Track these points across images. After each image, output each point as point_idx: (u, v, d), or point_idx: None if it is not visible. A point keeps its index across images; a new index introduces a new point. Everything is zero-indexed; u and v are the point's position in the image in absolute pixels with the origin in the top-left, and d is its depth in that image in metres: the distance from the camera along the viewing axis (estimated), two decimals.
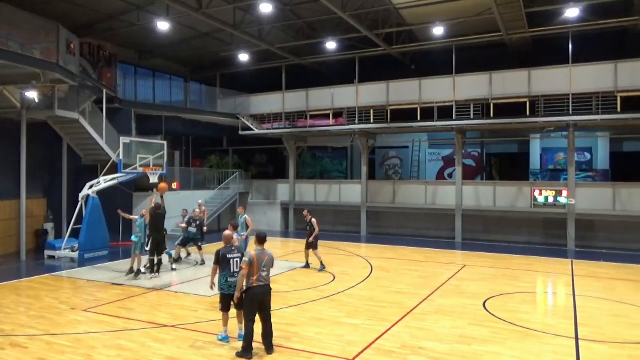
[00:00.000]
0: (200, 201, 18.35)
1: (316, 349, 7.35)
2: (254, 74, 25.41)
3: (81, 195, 15.79)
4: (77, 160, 18.60)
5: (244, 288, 7.08)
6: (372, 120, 21.26)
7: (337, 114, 22.12)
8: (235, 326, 7.83)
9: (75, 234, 15.73)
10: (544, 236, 19.66)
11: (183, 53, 23.80)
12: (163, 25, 18.34)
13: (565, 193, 18.31)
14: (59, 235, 17.57)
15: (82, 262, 14.67)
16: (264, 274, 7.06)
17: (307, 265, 13.95)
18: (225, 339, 7.67)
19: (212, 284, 7.94)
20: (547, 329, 8.45)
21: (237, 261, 7.64)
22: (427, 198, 21.11)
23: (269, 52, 22.06)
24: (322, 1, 15.85)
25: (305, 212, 14.28)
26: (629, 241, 18.05)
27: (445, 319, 8.95)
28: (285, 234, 23.22)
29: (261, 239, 7.36)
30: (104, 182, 15.85)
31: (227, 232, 8.14)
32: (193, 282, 12.10)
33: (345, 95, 21.95)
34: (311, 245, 13.72)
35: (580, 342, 7.82)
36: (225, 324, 7.75)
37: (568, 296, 11.12)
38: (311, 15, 19.16)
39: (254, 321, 7.05)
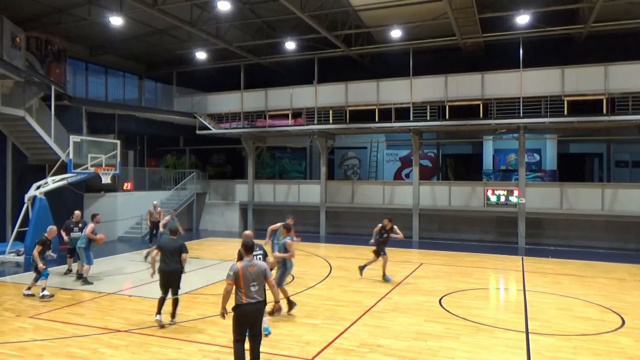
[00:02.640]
0: (155, 202, 17.90)
1: (275, 350, 7.30)
2: (211, 72, 25.00)
3: (27, 196, 15.07)
4: (23, 159, 17.70)
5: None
6: (331, 121, 21.37)
7: (296, 114, 22.10)
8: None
9: (20, 237, 14.98)
10: (496, 234, 20.37)
11: (137, 50, 23.12)
12: (116, 21, 17.76)
13: (516, 192, 19.02)
14: (2, 238, 16.69)
15: (28, 267, 13.96)
16: (253, 289, 6.10)
17: (387, 278, 12.39)
18: (266, 330, 7.75)
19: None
20: (498, 324, 8.75)
21: (259, 257, 7.81)
22: (385, 198, 21.43)
23: (227, 50, 21.77)
24: (281, 1, 15.79)
25: (386, 221, 12.62)
26: (574, 238, 19.00)
27: (402, 317, 9.10)
28: None
29: (248, 249, 6.48)
30: (52, 182, 15.19)
31: (247, 232, 8.18)
32: (148, 285, 11.77)
33: (304, 96, 21.97)
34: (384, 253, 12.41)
35: (530, 335, 8.13)
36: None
37: (519, 291, 11.56)
38: (270, 14, 19.06)
39: (242, 342, 6.18)
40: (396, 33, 19.07)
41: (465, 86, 19.25)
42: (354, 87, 21.08)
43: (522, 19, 17.16)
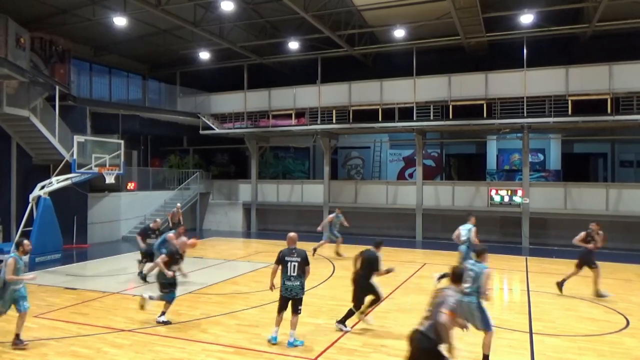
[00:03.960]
0: (178, 204, 17.85)
1: (279, 350, 7.31)
2: (215, 72, 25.04)
3: (32, 196, 15.13)
4: (27, 159, 17.75)
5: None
6: (334, 121, 21.36)
7: (300, 114, 22.10)
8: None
9: (25, 236, 15.01)
10: (500, 234, 20.29)
11: (141, 50, 23.18)
12: (120, 21, 17.78)
13: (520, 192, 18.96)
14: (7, 238, 16.75)
15: (32, 266, 14.01)
16: (427, 314, 5.26)
17: (601, 294, 10.69)
18: (274, 339, 7.51)
19: (272, 284, 7.73)
20: (502, 324, 8.71)
21: (294, 265, 7.43)
22: (389, 198, 21.40)
23: (230, 50, 21.79)
24: (284, 1, 15.80)
25: (594, 225, 11.01)
26: None
27: (406, 317, 9.07)
28: (247, 234, 23.01)
29: (457, 277, 5.63)
30: (56, 182, 15.23)
31: (291, 234, 7.92)
32: (152, 285, 11.78)
33: (307, 96, 21.96)
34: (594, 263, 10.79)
35: (534, 336, 8.10)
36: (277, 324, 7.59)
37: (523, 292, 11.53)
38: (273, 14, 19.06)
39: None
40: (399, 33, 19.03)
41: (468, 86, 19.19)
42: (358, 86, 21.06)
43: (526, 18, 17.09)
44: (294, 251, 7.60)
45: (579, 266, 10.84)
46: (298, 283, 7.48)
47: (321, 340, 7.73)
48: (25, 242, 7.73)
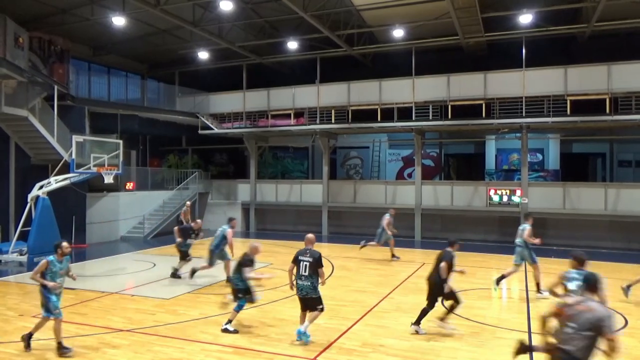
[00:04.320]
0: (188, 202, 17.79)
1: (278, 350, 7.30)
2: (214, 72, 25.03)
3: (30, 196, 15.11)
4: (26, 159, 17.72)
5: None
6: (333, 121, 21.36)
7: (299, 113, 22.10)
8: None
9: (23, 236, 15.02)
10: (499, 234, 20.29)
11: (140, 50, 23.16)
12: (119, 21, 17.77)
13: (518, 192, 18.98)
14: (5, 238, 16.71)
15: (31, 266, 13.98)
16: (566, 329, 4.48)
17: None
18: (298, 333, 7.60)
19: (291, 283, 7.80)
20: (501, 324, 8.73)
21: (305, 265, 7.48)
22: (387, 197, 21.40)
23: (229, 50, 21.79)
24: (283, 0, 15.81)
25: None
26: (577, 238, 18.90)
27: (405, 316, 9.08)
28: (245, 234, 22.99)
29: (593, 286, 4.83)
30: (54, 182, 15.21)
31: (309, 235, 7.97)
32: (150, 285, 11.79)
33: (306, 95, 21.97)
34: None
35: (532, 335, 8.11)
36: (301, 321, 7.69)
37: (521, 291, 11.56)
38: (272, 14, 19.07)
39: None
40: (398, 33, 19.04)
41: (467, 86, 19.20)
42: (357, 86, 21.06)
43: (525, 18, 17.11)
44: (307, 251, 7.65)
45: None
46: (308, 283, 7.50)
47: (321, 340, 7.73)
48: (64, 244, 7.41)
